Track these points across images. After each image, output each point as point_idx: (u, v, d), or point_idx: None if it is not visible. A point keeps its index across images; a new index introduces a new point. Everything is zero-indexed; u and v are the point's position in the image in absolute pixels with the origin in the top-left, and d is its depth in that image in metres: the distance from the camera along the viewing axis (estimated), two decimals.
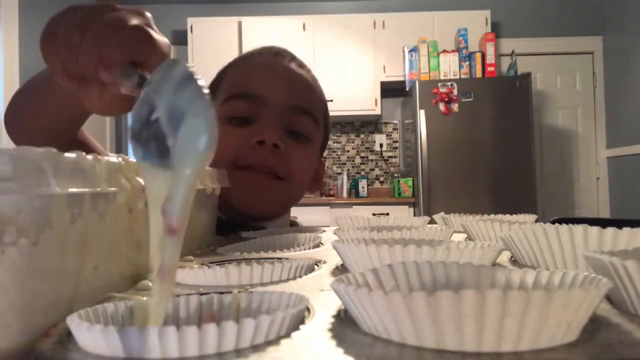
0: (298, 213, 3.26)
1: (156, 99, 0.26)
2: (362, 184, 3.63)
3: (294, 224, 0.91)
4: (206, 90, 0.25)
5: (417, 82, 3.23)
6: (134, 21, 0.37)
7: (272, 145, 0.72)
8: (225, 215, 0.77)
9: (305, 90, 0.80)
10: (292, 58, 0.83)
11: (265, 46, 0.86)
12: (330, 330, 0.24)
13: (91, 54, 0.35)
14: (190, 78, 0.26)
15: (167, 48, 0.37)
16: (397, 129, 3.97)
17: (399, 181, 3.45)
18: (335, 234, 0.52)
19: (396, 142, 3.96)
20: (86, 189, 0.28)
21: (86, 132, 0.66)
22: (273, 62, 0.81)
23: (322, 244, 0.57)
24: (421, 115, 3.16)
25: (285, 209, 0.85)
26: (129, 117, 0.28)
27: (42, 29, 0.37)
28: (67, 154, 0.27)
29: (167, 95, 0.25)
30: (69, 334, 0.24)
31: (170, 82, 0.26)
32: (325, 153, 3.94)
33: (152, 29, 0.37)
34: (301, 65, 0.83)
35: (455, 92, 3.18)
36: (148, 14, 0.39)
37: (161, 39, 0.37)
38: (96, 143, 0.69)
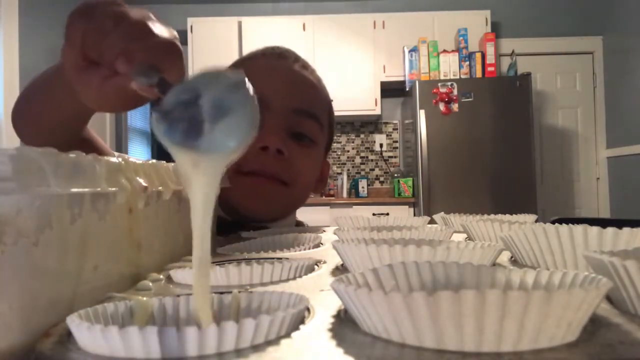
0: (298, 213, 3.26)
1: (205, 90, 0.28)
2: (362, 184, 3.63)
3: (300, 224, 0.92)
4: (255, 96, 0.28)
5: (417, 82, 3.23)
6: (169, 35, 0.39)
7: (276, 151, 0.72)
8: (228, 216, 0.77)
9: (308, 92, 0.79)
10: (296, 59, 0.82)
11: (268, 47, 0.85)
12: (330, 330, 0.24)
13: (119, 42, 0.36)
14: (245, 83, 0.28)
15: (184, 71, 0.39)
16: (397, 129, 3.97)
17: (399, 181, 3.45)
18: (335, 234, 0.52)
19: (396, 142, 3.96)
20: (86, 189, 0.28)
21: (92, 131, 0.66)
22: (276, 64, 0.80)
23: (322, 244, 0.57)
24: (421, 115, 3.16)
25: (290, 212, 0.85)
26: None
27: (78, 4, 0.39)
28: (67, 154, 0.27)
29: (219, 91, 0.28)
30: (69, 334, 0.24)
31: (224, 81, 0.28)
32: None
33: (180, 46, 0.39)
34: (305, 66, 0.82)
35: (455, 92, 3.18)
36: (176, 33, 0.40)
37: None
38: (102, 142, 0.70)
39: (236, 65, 0.83)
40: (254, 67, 0.80)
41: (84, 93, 0.41)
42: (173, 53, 0.37)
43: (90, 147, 0.64)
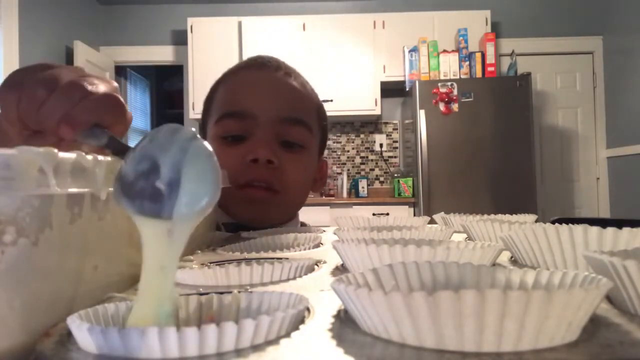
0: (299, 213, 3.26)
1: (160, 156, 0.28)
2: (362, 184, 3.63)
3: (303, 225, 0.93)
4: (212, 151, 0.28)
5: (417, 82, 3.23)
6: (105, 88, 0.37)
7: (266, 162, 0.74)
8: (234, 220, 0.80)
9: (294, 99, 0.81)
10: (279, 67, 0.83)
11: (251, 57, 0.87)
12: (330, 330, 0.24)
13: (56, 110, 0.35)
14: (197, 139, 0.28)
15: (131, 118, 0.38)
16: (397, 129, 3.96)
17: (399, 181, 3.45)
18: (335, 234, 0.52)
19: (396, 142, 3.96)
20: (86, 189, 0.28)
21: None
22: (259, 75, 0.82)
23: (322, 244, 0.57)
24: (421, 115, 3.16)
25: (287, 217, 0.86)
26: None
27: (7, 77, 0.38)
28: (67, 154, 0.27)
29: (174, 154, 0.27)
30: (69, 334, 0.24)
31: (177, 142, 0.28)
32: (326, 153, 3.93)
33: (120, 96, 0.38)
34: (288, 73, 0.83)
35: (455, 92, 3.18)
36: (115, 84, 0.39)
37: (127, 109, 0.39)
38: None
39: (222, 80, 0.85)
40: (239, 81, 0.82)
41: None
42: (114, 107, 0.36)
43: None
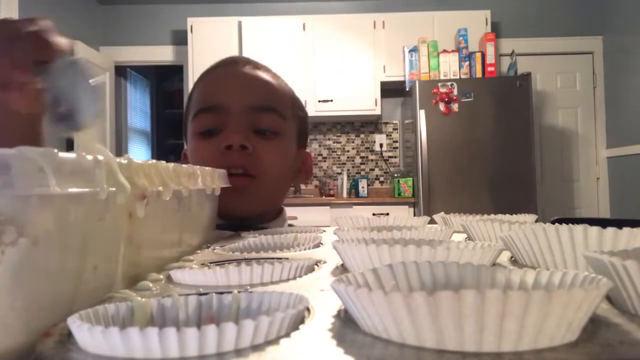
0: (298, 213, 3.26)
1: (55, 84, 0.39)
2: (362, 184, 3.63)
3: (290, 226, 0.93)
4: (88, 66, 0.38)
5: (417, 82, 3.22)
6: (30, 29, 0.44)
7: (240, 147, 0.76)
8: (225, 222, 0.80)
9: (262, 88, 0.83)
10: (247, 62, 0.86)
11: (223, 58, 0.91)
12: (330, 330, 0.24)
13: (1, 61, 0.43)
14: (74, 63, 0.39)
15: (67, 46, 0.45)
16: (397, 129, 3.96)
17: (399, 181, 3.45)
18: (335, 234, 0.52)
19: (396, 142, 3.96)
20: (86, 189, 0.28)
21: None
22: (229, 71, 0.85)
23: (322, 244, 0.57)
24: (421, 115, 3.16)
25: (270, 205, 0.87)
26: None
27: None
28: (67, 154, 0.27)
29: (61, 79, 0.38)
30: (69, 334, 0.24)
31: (62, 70, 0.39)
32: (326, 153, 3.94)
33: (50, 33, 0.45)
34: (257, 67, 0.86)
35: (455, 92, 3.18)
36: (44, 21, 0.46)
37: (59, 39, 0.45)
38: None
39: (196, 83, 0.89)
40: (209, 79, 0.86)
41: (17, 106, 0.47)
42: (40, 44, 0.43)
43: None
